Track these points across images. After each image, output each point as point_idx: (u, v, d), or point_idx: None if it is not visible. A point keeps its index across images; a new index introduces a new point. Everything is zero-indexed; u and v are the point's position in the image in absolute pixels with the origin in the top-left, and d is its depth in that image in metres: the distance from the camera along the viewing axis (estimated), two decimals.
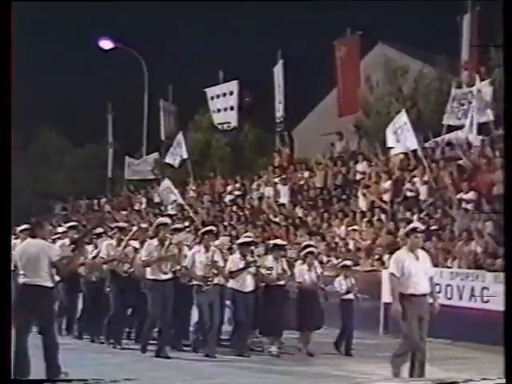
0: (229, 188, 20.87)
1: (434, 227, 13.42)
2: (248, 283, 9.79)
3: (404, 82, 18.50)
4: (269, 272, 9.90)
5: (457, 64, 17.28)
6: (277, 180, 19.17)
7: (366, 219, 15.10)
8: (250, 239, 10.37)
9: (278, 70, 21.21)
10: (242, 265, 9.75)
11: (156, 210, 21.68)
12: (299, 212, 17.36)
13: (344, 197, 16.96)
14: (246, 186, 20.46)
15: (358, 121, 18.80)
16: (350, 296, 10.50)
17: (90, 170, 30.12)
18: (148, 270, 9.46)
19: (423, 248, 8.37)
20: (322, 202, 17.22)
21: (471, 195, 13.60)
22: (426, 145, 15.87)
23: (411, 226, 8.24)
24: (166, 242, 9.46)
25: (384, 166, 16.10)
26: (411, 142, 14.24)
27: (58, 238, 11.71)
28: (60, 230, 12.48)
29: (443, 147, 15.72)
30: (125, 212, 23.22)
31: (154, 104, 26.88)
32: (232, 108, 22.63)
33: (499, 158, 13.86)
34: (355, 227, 14.86)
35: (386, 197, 15.36)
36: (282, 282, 10.00)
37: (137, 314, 10.57)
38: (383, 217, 14.79)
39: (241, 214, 18.56)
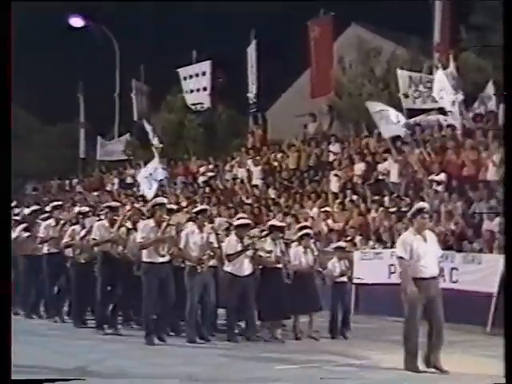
0: (202, 169, 20.81)
1: (404, 209, 13.56)
2: (245, 267, 9.45)
3: (377, 63, 18.56)
4: (268, 255, 9.61)
5: (429, 45, 17.35)
6: (250, 161, 19.18)
7: (338, 201, 15.21)
8: (247, 221, 9.93)
9: (251, 51, 21.08)
10: (239, 247, 9.41)
11: (128, 190, 21.56)
12: (272, 193, 17.41)
13: (317, 178, 17.03)
14: (220, 167, 20.43)
15: (331, 102, 18.81)
16: (344, 279, 10.22)
17: (61, 149, 29.79)
18: (144, 252, 9.06)
19: (430, 229, 8.18)
20: (295, 184, 17.28)
21: (441, 176, 13.75)
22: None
23: (417, 206, 7.87)
24: (164, 224, 9.06)
25: (356, 147, 16.16)
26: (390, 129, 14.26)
27: (44, 219, 11.63)
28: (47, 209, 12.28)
29: (414, 129, 15.83)
30: (96, 193, 23.06)
31: (125, 83, 26.59)
32: (205, 89, 22.46)
33: (469, 139, 14.06)
34: (327, 209, 14.94)
35: (358, 179, 15.47)
36: (279, 265, 9.71)
37: (126, 298, 10.18)
38: (355, 198, 14.90)
39: (213, 195, 18.53)
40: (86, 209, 11.22)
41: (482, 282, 10.83)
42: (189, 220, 10.09)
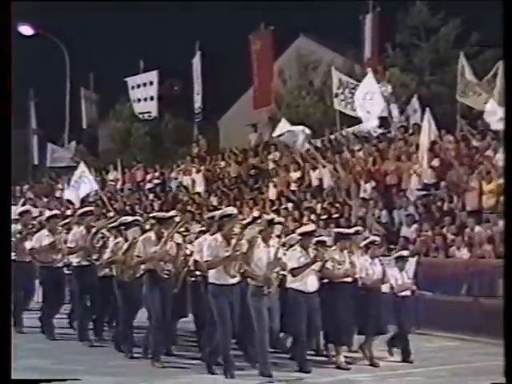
0: (148, 177, 21.38)
1: (335, 215, 14.40)
2: (311, 282, 8.15)
3: (315, 75, 19.43)
4: (340, 267, 8.38)
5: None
6: (194, 169, 19.83)
7: (274, 208, 15.96)
8: (312, 227, 8.66)
9: (196, 62, 21.75)
10: (303, 259, 8.11)
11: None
12: (214, 200, 18.09)
13: (256, 186, 17.78)
14: (165, 174, 21.02)
15: (272, 113, 19.61)
16: (408, 293, 8.97)
17: (12, 155, 29.87)
18: (211, 272, 7.76)
19: None
20: (236, 191, 17.98)
21: (368, 184, 14.63)
22: (332, 137, 16.82)
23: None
24: (234, 239, 7.67)
25: (291, 156, 16.97)
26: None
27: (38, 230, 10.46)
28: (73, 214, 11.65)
29: (348, 138, 16.74)
30: (46, 199, 23.41)
31: (76, 91, 26.97)
32: (152, 98, 23.05)
33: (394, 149, 14.99)
34: (263, 215, 15.66)
35: (294, 186, 16.27)
36: (348, 279, 8.45)
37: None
38: (289, 205, 15.68)
39: (158, 202, 19.11)
40: (129, 218, 9.39)
41: None
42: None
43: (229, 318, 7.63)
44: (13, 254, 10.27)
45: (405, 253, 9.50)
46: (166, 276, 8.19)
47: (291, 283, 8.16)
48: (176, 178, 20.43)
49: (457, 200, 12.84)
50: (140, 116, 23.27)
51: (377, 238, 9.24)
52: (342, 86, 15.33)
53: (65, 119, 27.59)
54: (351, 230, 9.24)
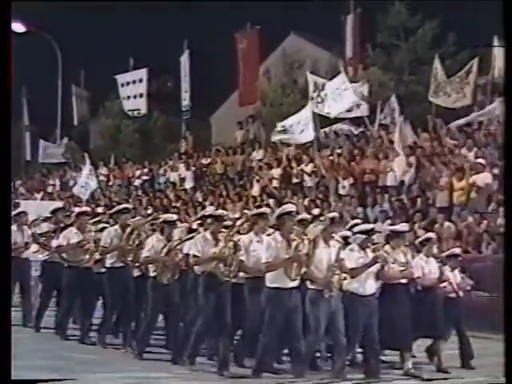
0: (137, 173, 21.78)
1: (316, 212, 14.82)
2: (370, 284, 7.61)
3: (300, 74, 19.81)
4: (403, 268, 7.83)
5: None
6: (181, 166, 20.24)
7: (256, 204, 16.37)
8: (370, 226, 8.11)
9: (184, 60, 22.12)
10: (362, 260, 7.54)
11: (68, 192, 22.39)
12: (199, 197, 18.50)
13: (241, 182, 18.21)
14: (154, 171, 21.43)
15: (257, 111, 20.00)
16: (460, 293, 8.39)
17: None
18: (269, 275, 7.21)
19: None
20: (222, 188, 18.40)
21: (347, 182, 15.06)
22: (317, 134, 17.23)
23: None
24: (295, 240, 7.15)
25: (274, 154, 17.39)
26: (308, 134, 15.48)
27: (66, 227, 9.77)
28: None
29: (329, 137, 17.17)
30: (39, 195, 23.82)
31: (68, 88, 27.34)
32: (141, 95, 23.42)
33: (371, 148, 15.43)
34: (246, 211, 16.08)
35: (276, 183, 16.69)
36: (404, 280, 7.94)
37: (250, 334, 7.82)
38: (271, 202, 16.09)
39: (145, 198, 19.52)
40: (174, 217, 8.64)
41: None
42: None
43: (281, 325, 7.12)
44: (45, 254, 10.28)
45: (457, 250, 8.80)
46: (226, 279, 7.53)
47: (348, 285, 7.53)
48: (164, 175, 20.86)
49: (430, 197, 13.28)
50: (129, 113, 23.64)
51: (432, 235, 8.60)
52: (317, 89, 15.75)
53: (57, 116, 28.04)
54: (406, 227, 8.83)
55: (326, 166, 15.71)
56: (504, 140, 6.94)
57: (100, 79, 25.20)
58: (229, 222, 7.86)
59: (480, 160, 12.81)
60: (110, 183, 21.82)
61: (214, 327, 7.52)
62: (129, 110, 23.68)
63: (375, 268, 7.59)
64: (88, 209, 10.66)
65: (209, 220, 7.90)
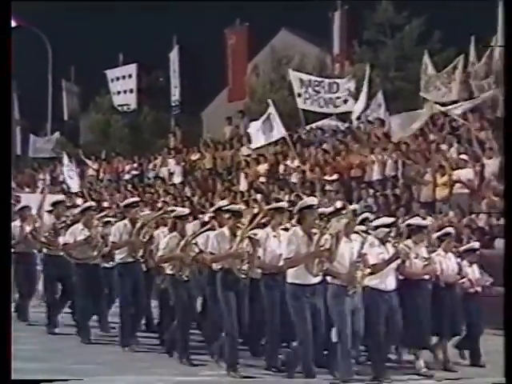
0: (127, 168, 21.89)
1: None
2: (391, 279, 7.40)
3: (288, 70, 19.94)
4: (426, 263, 7.68)
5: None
6: (171, 161, 20.36)
7: (244, 199, 16.53)
8: (391, 220, 7.78)
9: (174, 56, 22.23)
10: (383, 255, 7.31)
11: (58, 187, 22.48)
12: (188, 192, 18.63)
13: (230, 178, 18.34)
14: (143, 166, 21.54)
15: (245, 106, 20.15)
16: (478, 289, 8.25)
17: None
18: (290, 271, 7.02)
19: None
20: (211, 183, 18.54)
21: (332, 177, 15.22)
22: (300, 131, 17.41)
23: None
24: (316, 234, 6.92)
25: (262, 149, 17.54)
26: (278, 131, 15.63)
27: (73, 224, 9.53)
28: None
29: (315, 133, 17.32)
30: (28, 189, 23.89)
31: (58, 83, 27.40)
32: (131, 91, 23.51)
33: (358, 143, 15.60)
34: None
35: (263, 178, 16.85)
36: (427, 276, 7.79)
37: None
38: (258, 197, 16.25)
39: (135, 193, 19.63)
40: (186, 211, 8.47)
41: None
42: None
43: (310, 322, 6.87)
44: (45, 249, 9.97)
45: (476, 245, 8.60)
46: (244, 276, 7.35)
47: (369, 281, 7.25)
48: (153, 170, 20.98)
49: (415, 192, 13.47)
50: (119, 108, 23.74)
51: (451, 230, 8.38)
52: (303, 85, 15.89)
53: (47, 111, 28.09)
54: (428, 222, 8.62)
55: (312, 162, 15.87)
56: (504, 139, 6.97)
57: (90, 74, 25.30)
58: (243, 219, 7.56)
59: (463, 156, 12.99)
60: (100, 177, 21.91)
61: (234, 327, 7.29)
62: (119, 105, 23.78)
63: (395, 263, 7.38)
64: (94, 204, 10.32)
65: (226, 215, 7.72)
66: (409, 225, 8.00)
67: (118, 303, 9.21)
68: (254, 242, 7.39)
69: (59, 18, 28.60)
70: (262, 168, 16.94)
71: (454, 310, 7.95)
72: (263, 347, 7.86)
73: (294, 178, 16.29)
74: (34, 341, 9.06)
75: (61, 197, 11.03)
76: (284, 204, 8.10)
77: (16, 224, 10.41)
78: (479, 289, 8.18)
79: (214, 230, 7.83)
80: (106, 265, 9.33)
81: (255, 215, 7.77)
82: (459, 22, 17.85)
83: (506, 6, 6.45)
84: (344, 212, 7.51)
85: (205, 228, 7.97)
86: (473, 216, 11.92)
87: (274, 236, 7.58)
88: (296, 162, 16.17)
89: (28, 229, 10.58)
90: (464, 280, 8.10)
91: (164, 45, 22.59)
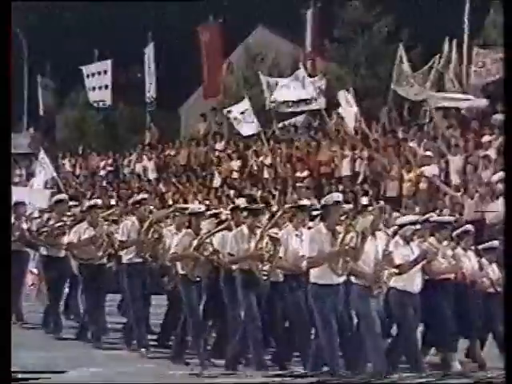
0: (102, 164, 21.98)
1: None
2: (417, 280, 7.16)
3: (262, 67, 20.14)
4: (454, 262, 7.51)
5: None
6: (145, 157, 20.49)
7: (217, 195, 16.74)
8: (416, 217, 7.62)
9: (149, 52, 22.28)
10: (410, 256, 7.04)
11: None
12: (163, 188, 18.80)
13: (204, 174, 18.54)
14: (119, 162, 21.64)
15: (219, 103, 20.32)
16: (498, 289, 7.85)
17: None
18: (313, 271, 6.70)
19: None
20: (184, 179, 18.71)
21: (303, 174, 15.49)
22: (274, 128, 17.66)
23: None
24: (341, 232, 6.60)
25: (235, 146, 17.75)
26: (250, 128, 15.84)
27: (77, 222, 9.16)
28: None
29: (288, 130, 17.58)
30: None
31: (34, 78, 27.32)
32: (106, 87, 23.50)
33: (328, 140, 15.87)
34: (207, 203, 16.45)
35: (236, 175, 17.07)
36: (448, 276, 7.59)
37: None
38: (231, 193, 16.46)
39: (110, 189, 19.75)
40: (202, 207, 8.20)
41: None
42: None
43: (335, 323, 6.58)
44: (44, 248, 9.60)
45: (496, 243, 8.11)
46: (265, 277, 7.13)
47: (395, 282, 7.01)
48: (129, 166, 21.09)
49: (381, 187, 13.78)
50: (94, 104, 23.75)
51: (471, 227, 8.10)
52: (269, 89, 16.14)
53: (23, 106, 27.99)
54: (452, 218, 8.40)
55: (282, 157, 16.12)
56: (504, 138, 7.19)
57: (66, 70, 25.22)
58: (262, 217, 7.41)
59: (428, 152, 13.31)
60: (77, 173, 22.00)
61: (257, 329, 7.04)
62: (94, 101, 23.77)
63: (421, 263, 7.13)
64: (99, 201, 9.81)
65: (244, 213, 7.51)
66: (429, 221, 7.72)
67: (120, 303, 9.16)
68: (274, 241, 7.17)
69: (35, 13, 28.49)
70: (235, 164, 17.16)
71: (480, 310, 7.73)
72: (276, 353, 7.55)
73: (266, 174, 16.55)
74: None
75: (62, 196, 10.44)
76: (307, 202, 7.88)
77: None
78: (499, 288, 7.72)
79: (231, 229, 7.59)
80: (113, 266, 9.05)
81: (274, 213, 7.56)
82: (429, 19, 18.12)
83: (506, 7, 6.48)
84: (370, 209, 7.31)
85: (221, 227, 7.68)
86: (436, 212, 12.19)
87: (296, 235, 7.32)
88: (269, 159, 16.42)
89: (25, 226, 10.17)
90: (484, 279, 7.84)
91: (140, 41, 22.59)
